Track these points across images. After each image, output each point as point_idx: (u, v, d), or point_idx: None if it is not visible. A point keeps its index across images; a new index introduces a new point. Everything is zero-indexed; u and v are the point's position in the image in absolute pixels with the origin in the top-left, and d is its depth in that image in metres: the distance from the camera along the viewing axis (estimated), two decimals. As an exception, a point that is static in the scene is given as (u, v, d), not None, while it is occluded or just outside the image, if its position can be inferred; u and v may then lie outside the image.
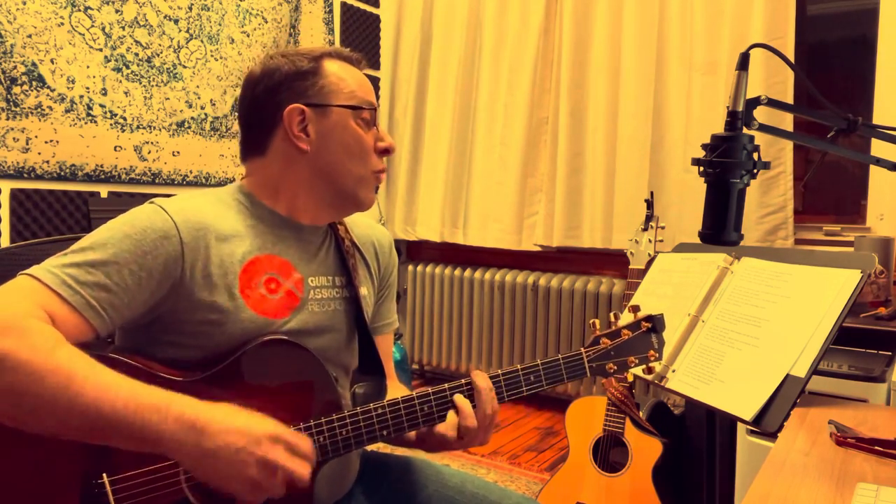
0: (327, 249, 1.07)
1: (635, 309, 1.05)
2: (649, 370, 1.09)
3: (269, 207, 1.01)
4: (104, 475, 0.82)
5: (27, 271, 0.83)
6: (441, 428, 0.94)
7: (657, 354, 1.03)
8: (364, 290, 1.09)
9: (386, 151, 1.03)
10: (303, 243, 1.02)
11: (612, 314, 1.05)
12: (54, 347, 0.75)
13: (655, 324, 1.03)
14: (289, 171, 1.00)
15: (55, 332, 0.78)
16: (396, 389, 1.11)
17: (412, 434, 0.98)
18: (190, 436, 0.75)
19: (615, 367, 1.01)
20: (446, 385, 0.95)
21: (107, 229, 0.88)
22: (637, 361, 1.02)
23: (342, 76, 1.00)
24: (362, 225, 1.15)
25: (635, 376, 1.11)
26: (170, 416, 0.75)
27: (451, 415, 0.94)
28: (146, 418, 0.74)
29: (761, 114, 0.91)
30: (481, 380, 0.95)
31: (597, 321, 1.04)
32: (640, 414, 2.01)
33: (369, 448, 1.15)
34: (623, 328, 1.03)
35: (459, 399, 0.94)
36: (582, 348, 1.01)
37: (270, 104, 0.98)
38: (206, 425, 0.76)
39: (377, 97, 3.68)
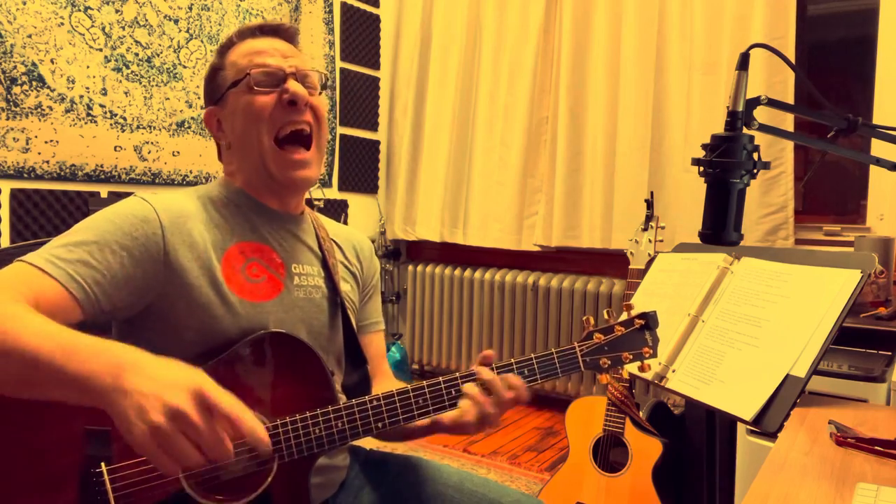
0: (311, 243, 1.10)
1: (629, 307, 1.06)
2: (643, 367, 1.09)
3: (247, 193, 1.05)
4: (102, 465, 0.82)
5: (20, 258, 0.88)
6: (454, 412, 0.93)
7: (651, 351, 1.03)
8: (346, 287, 1.11)
9: (292, 102, 1.00)
10: (281, 230, 1.06)
11: (605, 311, 1.06)
12: (5, 301, 0.78)
13: (648, 321, 1.03)
14: (231, 164, 1.07)
15: (20, 299, 0.80)
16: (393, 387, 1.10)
17: (420, 422, 0.97)
18: (111, 375, 0.70)
19: (609, 362, 1.01)
20: (458, 374, 0.94)
21: (91, 217, 0.94)
22: (631, 357, 1.02)
23: (234, 58, 1.04)
24: (343, 230, 1.20)
25: (633, 375, 1.10)
26: (101, 357, 0.72)
27: (465, 401, 0.92)
28: (80, 359, 0.72)
29: (761, 114, 0.91)
30: (486, 373, 0.94)
31: (591, 318, 1.05)
32: (640, 414, 2.01)
33: (368, 447, 1.15)
34: (616, 324, 1.03)
35: (469, 388, 0.93)
36: (575, 343, 1.01)
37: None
38: (131, 366, 0.71)
39: (377, 97, 3.72)
